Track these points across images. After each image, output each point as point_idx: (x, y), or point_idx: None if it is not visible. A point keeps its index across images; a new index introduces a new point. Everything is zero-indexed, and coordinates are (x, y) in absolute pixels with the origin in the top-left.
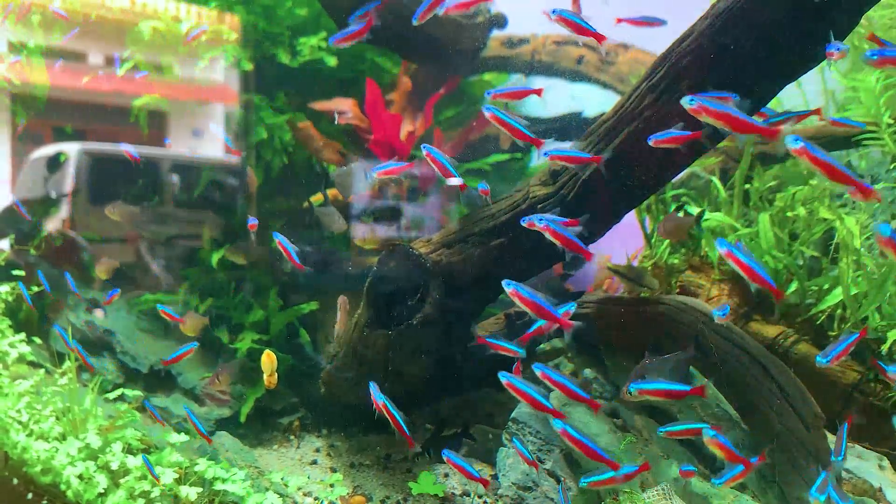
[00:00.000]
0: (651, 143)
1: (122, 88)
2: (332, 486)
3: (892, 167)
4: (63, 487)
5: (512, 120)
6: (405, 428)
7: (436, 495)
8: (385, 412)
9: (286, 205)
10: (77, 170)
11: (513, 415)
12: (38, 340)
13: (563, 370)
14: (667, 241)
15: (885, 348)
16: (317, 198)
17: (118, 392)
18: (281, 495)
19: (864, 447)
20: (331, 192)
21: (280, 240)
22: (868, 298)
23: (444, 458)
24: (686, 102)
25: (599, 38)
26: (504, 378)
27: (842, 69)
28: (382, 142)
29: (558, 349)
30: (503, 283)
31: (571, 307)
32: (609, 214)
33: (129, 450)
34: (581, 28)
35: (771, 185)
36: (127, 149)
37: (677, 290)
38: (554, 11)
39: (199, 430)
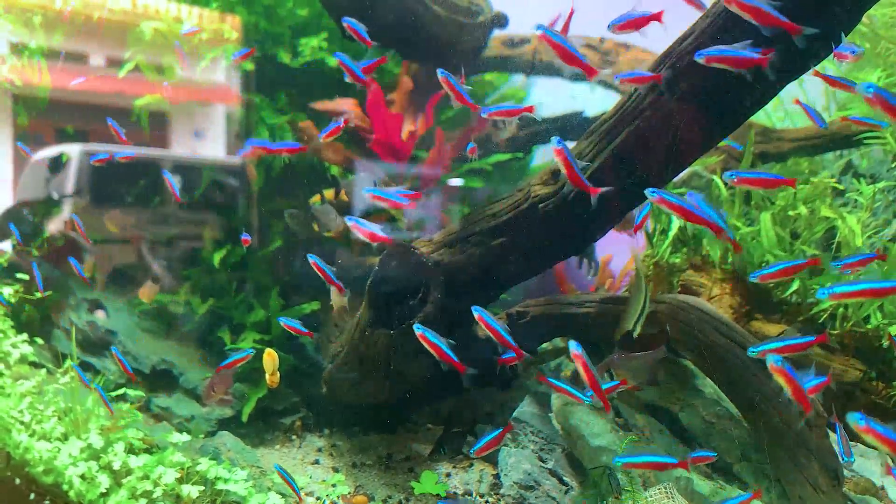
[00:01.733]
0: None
1: (123, 89)
2: (334, 485)
3: (893, 165)
4: (65, 487)
5: None
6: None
7: (438, 495)
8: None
9: (287, 205)
10: (79, 171)
11: (514, 414)
12: (39, 341)
13: (563, 370)
14: (668, 241)
15: (885, 342)
16: (326, 195)
17: (120, 391)
18: (283, 495)
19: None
20: (333, 191)
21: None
22: None
23: None
24: (536, 29)
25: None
26: (418, 329)
27: (842, 68)
28: (384, 141)
29: (560, 348)
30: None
31: None
32: (610, 214)
33: (131, 450)
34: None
35: None
36: (96, 148)
37: (679, 290)
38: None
39: (126, 368)
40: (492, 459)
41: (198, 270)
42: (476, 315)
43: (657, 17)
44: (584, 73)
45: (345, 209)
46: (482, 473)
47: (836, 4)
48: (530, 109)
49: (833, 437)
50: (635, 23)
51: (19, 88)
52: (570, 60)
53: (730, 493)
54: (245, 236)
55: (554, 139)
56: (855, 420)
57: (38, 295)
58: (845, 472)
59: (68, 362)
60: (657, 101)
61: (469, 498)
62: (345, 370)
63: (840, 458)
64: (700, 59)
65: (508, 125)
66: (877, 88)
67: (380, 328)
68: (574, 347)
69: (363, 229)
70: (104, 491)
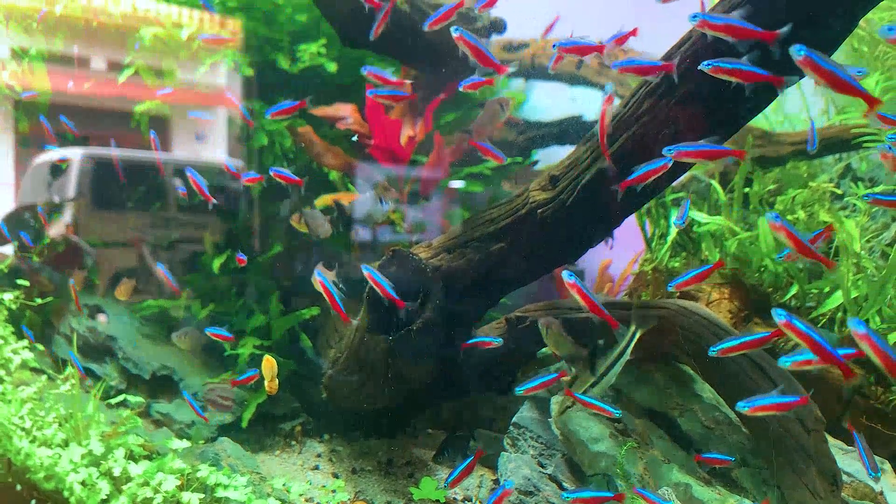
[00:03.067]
0: None
1: (124, 93)
2: (333, 491)
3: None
4: (66, 494)
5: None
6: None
7: (437, 500)
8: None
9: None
10: (80, 175)
11: (514, 419)
12: (40, 347)
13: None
14: (667, 245)
15: None
16: (322, 200)
17: (120, 398)
18: (283, 501)
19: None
20: (329, 197)
21: None
22: (868, 301)
23: None
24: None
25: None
26: (317, 275)
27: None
28: (383, 147)
29: None
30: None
31: None
32: (609, 219)
33: (131, 456)
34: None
35: (771, 189)
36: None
37: (677, 294)
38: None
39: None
40: (491, 464)
41: (198, 275)
42: (365, 273)
43: (599, 49)
44: (496, 70)
45: (346, 214)
46: (482, 479)
47: (828, 13)
48: (490, 82)
49: (831, 440)
50: (580, 50)
51: (20, 93)
52: (484, 60)
53: (728, 501)
54: (241, 256)
55: (608, 85)
56: (777, 316)
57: (39, 301)
58: (843, 477)
59: (69, 369)
60: (655, 106)
61: (468, 503)
62: (345, 375)
63: (867, 474)
64: (615, 69)
65: (506, 108)
66: (807, 51)
67: (379, 333)
68: (567, 277)
69: None
70: (105, 497)
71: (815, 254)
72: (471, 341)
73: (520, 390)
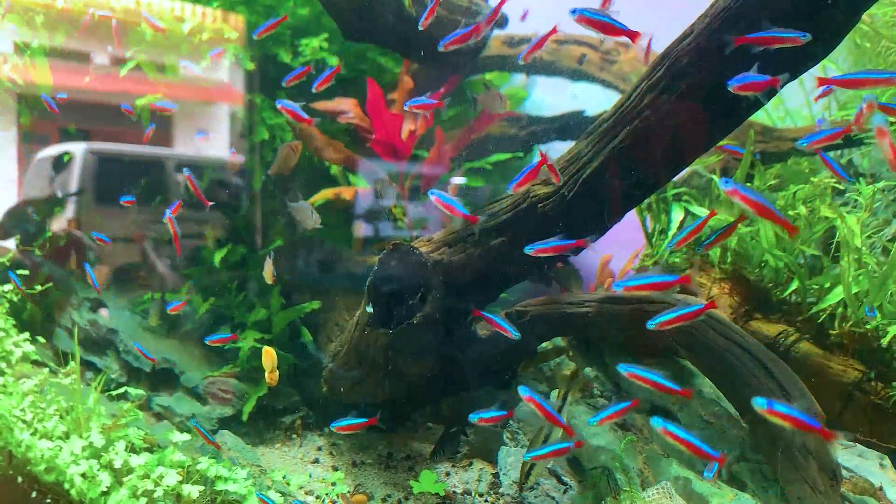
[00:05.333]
0: None
1: (126, 89)
2: (333, 484)
3: None
4: (67, 486)
5: None
6: None
7: (437, 494)
8: None
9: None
10: (82, 169)
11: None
12: (41, 340)
13: (563, 369)
14: (667, 241)
15: (884, 342)
16: (320, 196)
17: (121, 390)
18: (282, 494)
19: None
20: (333, 190)
21: None
22: (869, 297)
23: None
24: None
25: None
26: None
27: (844, 68)
28: (384, 141)
29: (559, 347)
30: None
31: None
32: (609, 213)
33: (132, 448)
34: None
35: (772, 184)
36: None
37: (678, 290)
38: None
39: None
40: (491, 459)
41: (199, 269)
42: (183, 174)
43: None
44: None
45: (348, 209)
46: (481, 473)
47: (831, 6)
48: (440, 105)
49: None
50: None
51: (22, 88)
52: None
53: (727, 495)
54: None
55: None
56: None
57: (39, 288)
58: (843, 472)
59: (71, 363)
60: (656, 101)
61: (468, 497)
62: (345, 369)
63: None
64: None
65: (503, 102)
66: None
67: (379, 327)
68: (522, 391)
69: None
70: (105, 489)
71: (777, 216)
72: (487, 316)
73: (474, 417)
